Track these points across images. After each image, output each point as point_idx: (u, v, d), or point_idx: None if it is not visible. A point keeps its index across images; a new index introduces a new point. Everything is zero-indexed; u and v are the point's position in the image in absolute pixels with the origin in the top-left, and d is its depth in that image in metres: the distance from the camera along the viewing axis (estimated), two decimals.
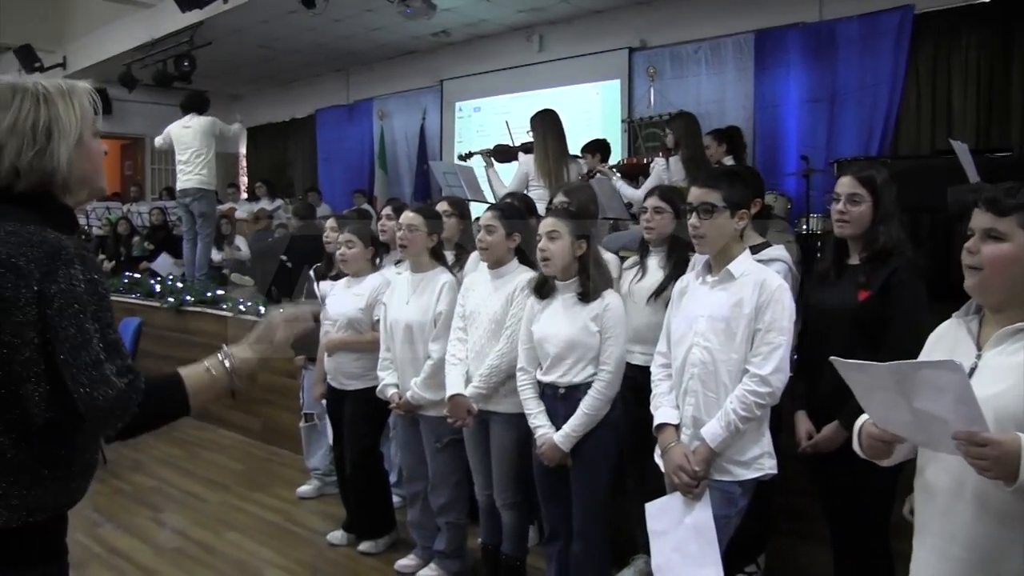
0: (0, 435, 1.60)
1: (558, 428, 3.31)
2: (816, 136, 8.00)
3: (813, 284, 3.20)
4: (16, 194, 1.68)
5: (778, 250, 3.48)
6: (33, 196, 1.70)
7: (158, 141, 8.95)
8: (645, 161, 6.81)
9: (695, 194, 2.91)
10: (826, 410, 2.97)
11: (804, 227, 6.48)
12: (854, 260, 3.01)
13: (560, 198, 4.11)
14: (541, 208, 4.62)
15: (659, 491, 3.00)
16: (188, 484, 5.65)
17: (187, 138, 8.44)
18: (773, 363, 2.76)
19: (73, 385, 1.61)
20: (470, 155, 7.07)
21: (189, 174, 8.42)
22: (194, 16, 9.96)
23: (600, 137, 7.56)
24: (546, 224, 3.38)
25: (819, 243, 6.18)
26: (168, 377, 1.76)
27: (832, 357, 1.90)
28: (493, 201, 5.76)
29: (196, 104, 8.62)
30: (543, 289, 3.42)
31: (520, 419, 3.52)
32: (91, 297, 1.64)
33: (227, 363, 1.81)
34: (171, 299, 7.67)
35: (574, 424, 3.27)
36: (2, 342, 1.59)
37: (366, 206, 10.13)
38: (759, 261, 3.04)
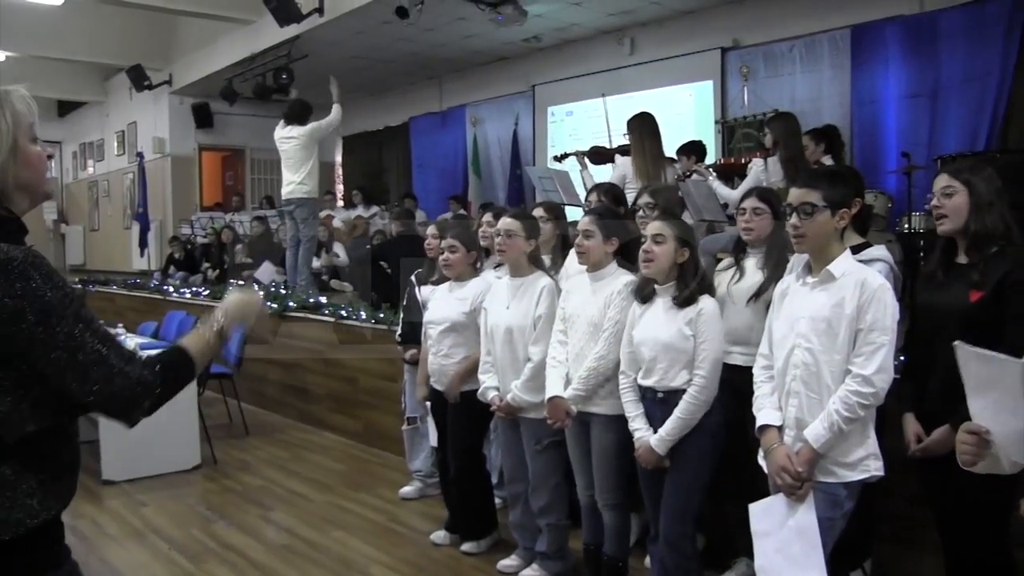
0: None
1: (656, 431, 3.34)
2: (918, 132, 7.78)
3: (921, 284, 3.13)
4: None
5: (879, 250, 3.44)
6: None
7: None
8: (743, 161, 6.73)
9: (795, 194, 2.90)
10: (936, 412, 2.91)
11: (906, 226, 6.34)
12: (962, 259, 2.95)
13: (645, 199, 4.12)
14: None
15: (763, 492, 2.98)
16: (294, 484, 5.82)
17: (288, 148, 8.57)
18: (876, 363, 2.72)
19: (82, 389, 1.60)
20: (565, 156, 7.12)
21: (291, 184, 8.55)
22: (292, 30, 10.25)
23: (694, 139, 7.52)
24: (653, 227, 3.41)
25: (922, 242, 6.04)
26: (172, 349, 1.83)
27: (956, 342, 1.80)
28: None
29: (297, 114, 8.64)
30: (643, 292, 3.45)
31: (620, 421, 3.55)
32: (64, 299, 1.61)
33: (215, 327, 1.90)
34: (274, 305, 7.87)
35: (669, 428, 3.29)
36: None
37: (461, 211, 10.24)
38: (860, 261, 3.00)
